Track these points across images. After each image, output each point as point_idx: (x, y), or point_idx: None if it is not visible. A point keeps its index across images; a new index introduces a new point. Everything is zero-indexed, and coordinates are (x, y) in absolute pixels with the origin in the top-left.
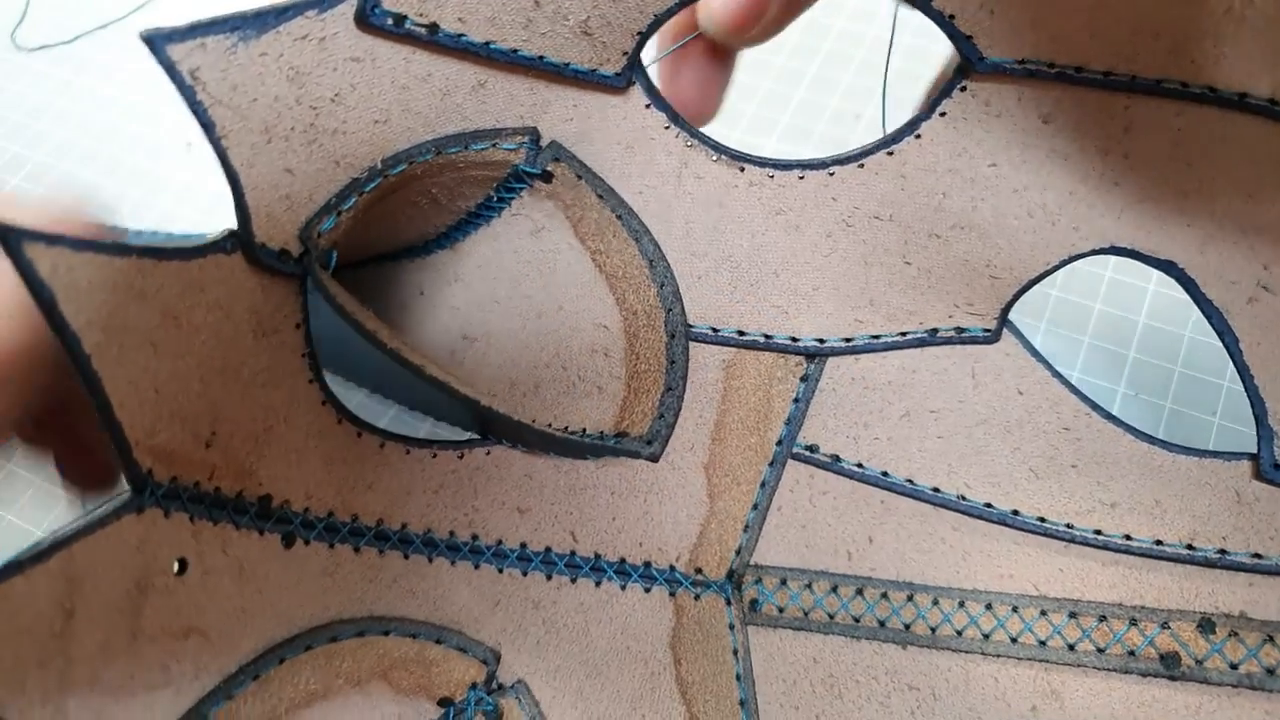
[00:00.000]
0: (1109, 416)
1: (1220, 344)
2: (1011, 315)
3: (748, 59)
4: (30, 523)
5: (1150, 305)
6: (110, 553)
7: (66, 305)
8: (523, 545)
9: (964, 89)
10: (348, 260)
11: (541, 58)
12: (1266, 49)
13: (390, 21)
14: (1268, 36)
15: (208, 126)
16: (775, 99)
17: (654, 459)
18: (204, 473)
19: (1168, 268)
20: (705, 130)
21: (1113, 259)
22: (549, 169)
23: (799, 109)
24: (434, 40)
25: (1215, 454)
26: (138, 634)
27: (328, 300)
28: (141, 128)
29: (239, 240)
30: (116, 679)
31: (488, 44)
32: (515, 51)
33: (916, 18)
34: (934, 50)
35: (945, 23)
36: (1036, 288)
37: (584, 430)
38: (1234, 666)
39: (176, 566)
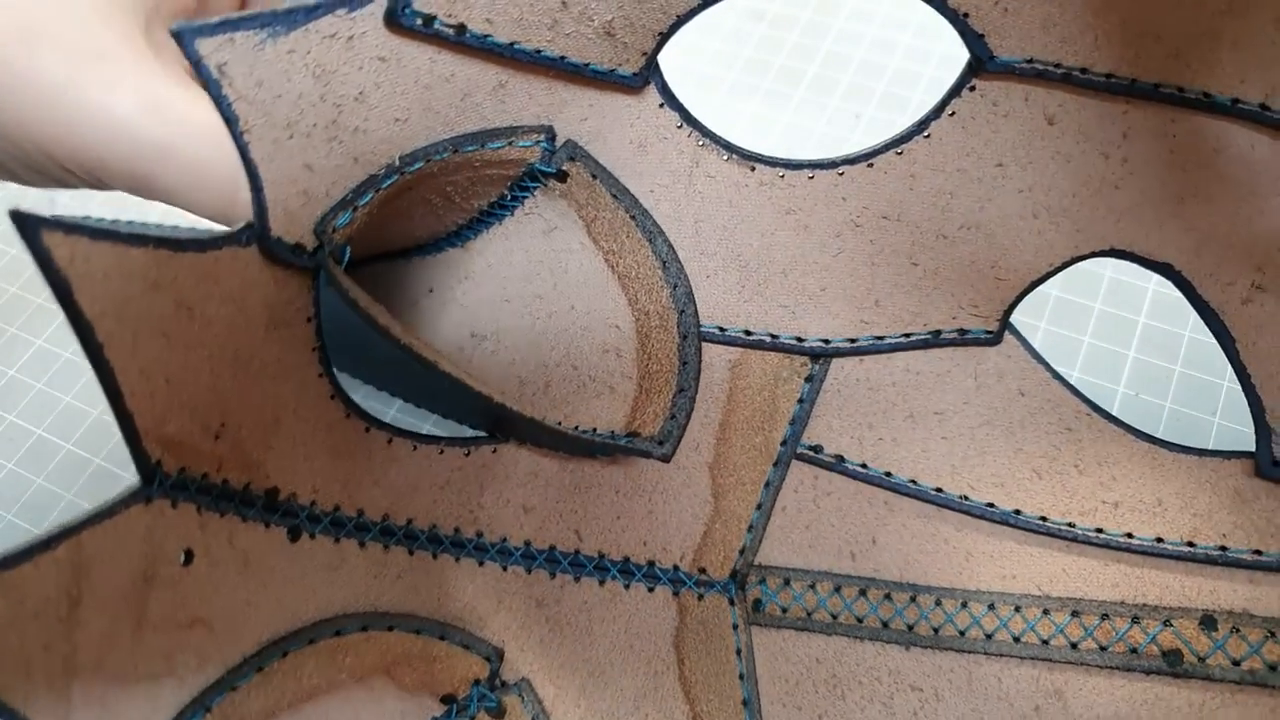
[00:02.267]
0: (1110, 417)
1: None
2: (1012, 315)
3: (747, 58)
4: (29, 523)
5: (1150, 305)
6: (117, 542)
7: (82, 294)
8: (527, 543)
9: (973, 88)
10: (359, 256)
11: (563, 58)
12: (1258, 52)
13: (419, 22)
14: (1259, 39)
15: (231, 121)
16: (775, 99)
17: (666, 459)
18: (212, 464)
19: (1165, 270)
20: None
21: (1112, 258)
22: (564, 168)
23: (800, 108)
24: (460, 41)
25: (1215, 452)
26: (142, 623)
27: (341, 295)
28: None
29: (255, 233)
30: (121, 667)
31: (512, 44)
32: (538, 52)
33: (917, 18)
34: (935, 51)
35: (959, 20)
36: (1037, 288)
37: (594, 430)
38: (1236, 663)
39: (183, 557)
